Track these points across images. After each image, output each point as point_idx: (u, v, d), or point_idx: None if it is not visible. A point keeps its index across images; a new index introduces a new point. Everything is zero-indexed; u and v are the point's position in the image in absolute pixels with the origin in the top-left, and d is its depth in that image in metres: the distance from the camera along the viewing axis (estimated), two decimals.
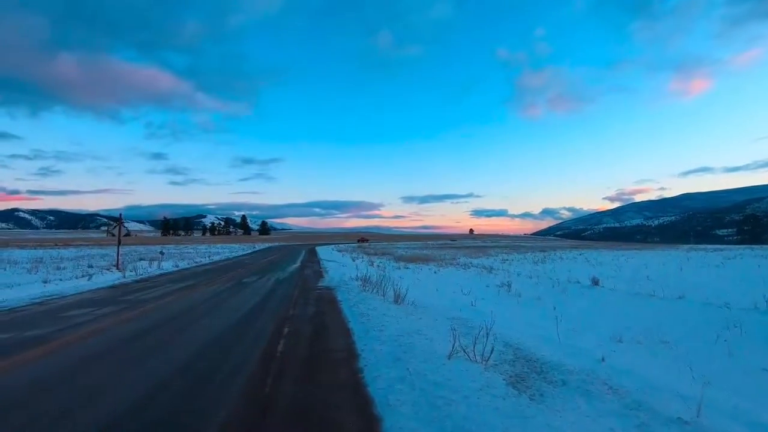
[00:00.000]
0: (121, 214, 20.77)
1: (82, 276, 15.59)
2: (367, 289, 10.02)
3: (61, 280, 14.59)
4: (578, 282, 13.22)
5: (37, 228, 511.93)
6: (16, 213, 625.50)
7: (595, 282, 12.22)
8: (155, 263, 22.40)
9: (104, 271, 18.36)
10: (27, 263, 23.13)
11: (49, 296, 10.07)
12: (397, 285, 9.15)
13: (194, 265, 22.09)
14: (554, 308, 8.42)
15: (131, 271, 17.29)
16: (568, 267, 22.22)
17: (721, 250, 58.21)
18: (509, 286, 11.42)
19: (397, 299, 8.09)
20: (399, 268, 20.01)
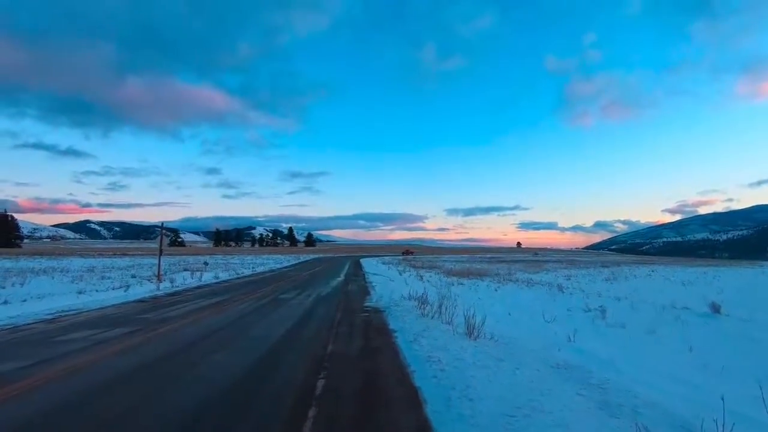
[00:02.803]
0: (162, 224, 20.17)
1: (120, 287, 14.86)
2: (426, 313, 8.01)
3: (97, 291, 13.88)
4: (687, 308, 10.51)
5: (105, 238, 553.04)
6: (87, 224, 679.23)
7: (716, 309, 9.51)
8: (197, 274, 21.71)
9: (145, 281, 17.71)
10: (77, 272, 23.25)
11: (66, 311, 8.96)
12: (465, 309, 7.12)
13: (235, 276, 21.11)
14: (690, 350, 6.06)
15: (169, 282, 16.43)
16: (652, 286, 19.05)
17: None
18: (603, 312, 9.01)
19: (470, 331, 6.04)
20: (453, 284, 17.83)
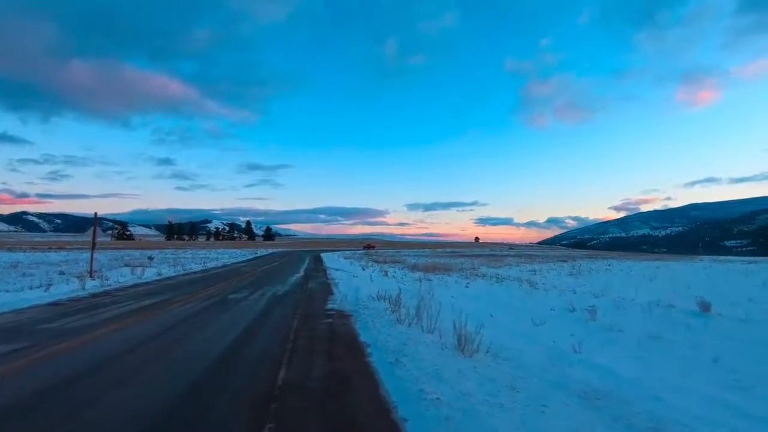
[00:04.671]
0: (96, 214, 17.74)
1: (40, 286, 12.60)
2: (401, 318, 6.75)
3: (7, 291, 11.61)
4: (672, 306, 9.93)
5: (44, 231, 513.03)
6: (24, 216, 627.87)
7: (705, 307, 8.93)
8: (138, 270, 19.37)
9: (73, 278, 15.34)
10: None
11: None
12: (453, 315, 5.95)
13: (181, 273, 19.01)
14: (715, 361, 5.19)
15: (100, 280, 14.26)
16: (620, 281, 18.89)
17: (756, 261, 54.38)
18: (592, 313, 8.17)
19: (462, 344, 4.85)
20: (420, 280, 16.78)
